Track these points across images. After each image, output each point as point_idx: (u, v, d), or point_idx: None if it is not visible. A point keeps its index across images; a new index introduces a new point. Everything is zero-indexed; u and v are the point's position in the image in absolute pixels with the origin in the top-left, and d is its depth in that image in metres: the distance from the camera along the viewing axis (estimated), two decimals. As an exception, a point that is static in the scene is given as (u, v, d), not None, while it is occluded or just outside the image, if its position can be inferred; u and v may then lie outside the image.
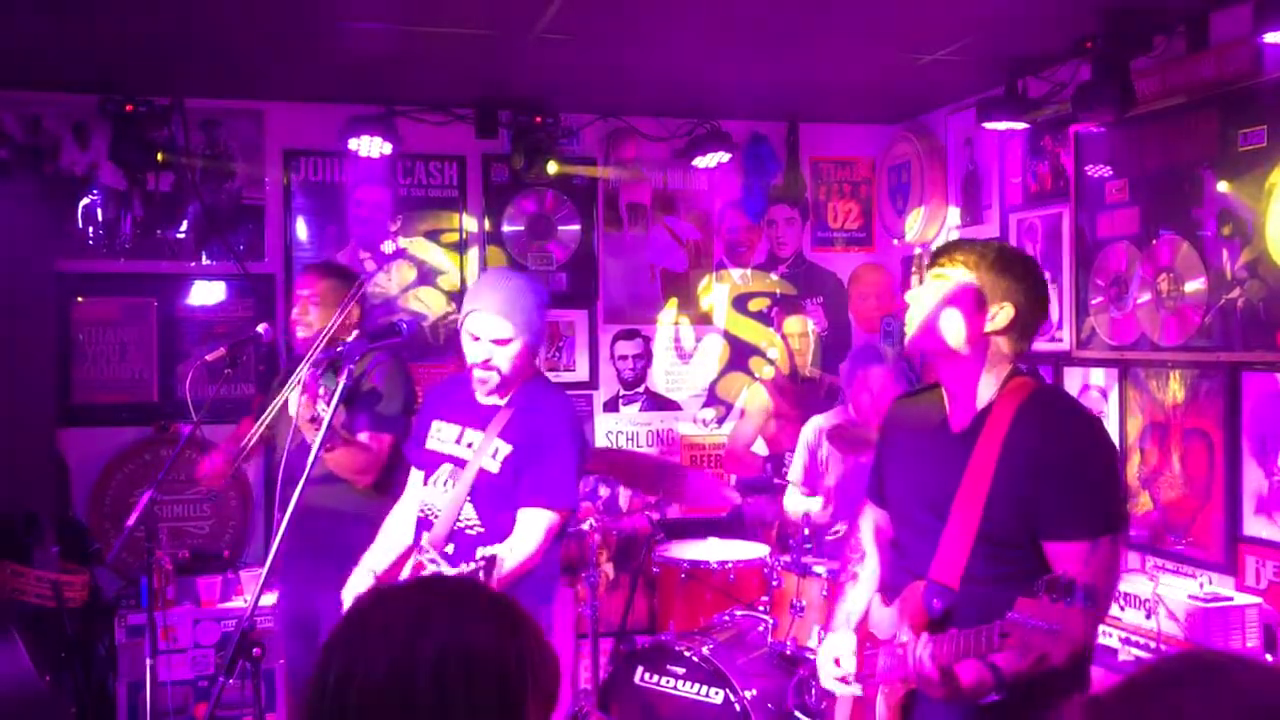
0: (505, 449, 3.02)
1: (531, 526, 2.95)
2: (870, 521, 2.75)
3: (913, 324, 2.41)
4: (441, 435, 3.17)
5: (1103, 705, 1.06)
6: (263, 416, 3.65)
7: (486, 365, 3.04)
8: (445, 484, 3.08)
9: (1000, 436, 2.29)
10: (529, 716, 1.30)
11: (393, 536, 3.24)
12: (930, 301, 2.38)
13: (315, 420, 3.08)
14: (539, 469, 2.97)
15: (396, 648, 1.26)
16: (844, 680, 2.56)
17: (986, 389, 2.37)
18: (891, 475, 2.62)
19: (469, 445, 3.08)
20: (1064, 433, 2.30)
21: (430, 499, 3.12)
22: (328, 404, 3.01)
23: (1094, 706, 1.06)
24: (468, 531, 3.02)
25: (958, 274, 2.36)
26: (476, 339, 3.04)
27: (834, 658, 2.59)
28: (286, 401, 3.83)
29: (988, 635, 2.04)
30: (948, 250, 2.42)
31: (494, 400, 3.10)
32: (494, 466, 3.01)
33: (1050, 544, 2.25)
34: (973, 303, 2.34)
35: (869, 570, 2.68)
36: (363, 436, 3.64)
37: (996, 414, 2.33)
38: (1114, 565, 2.29)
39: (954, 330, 2.35)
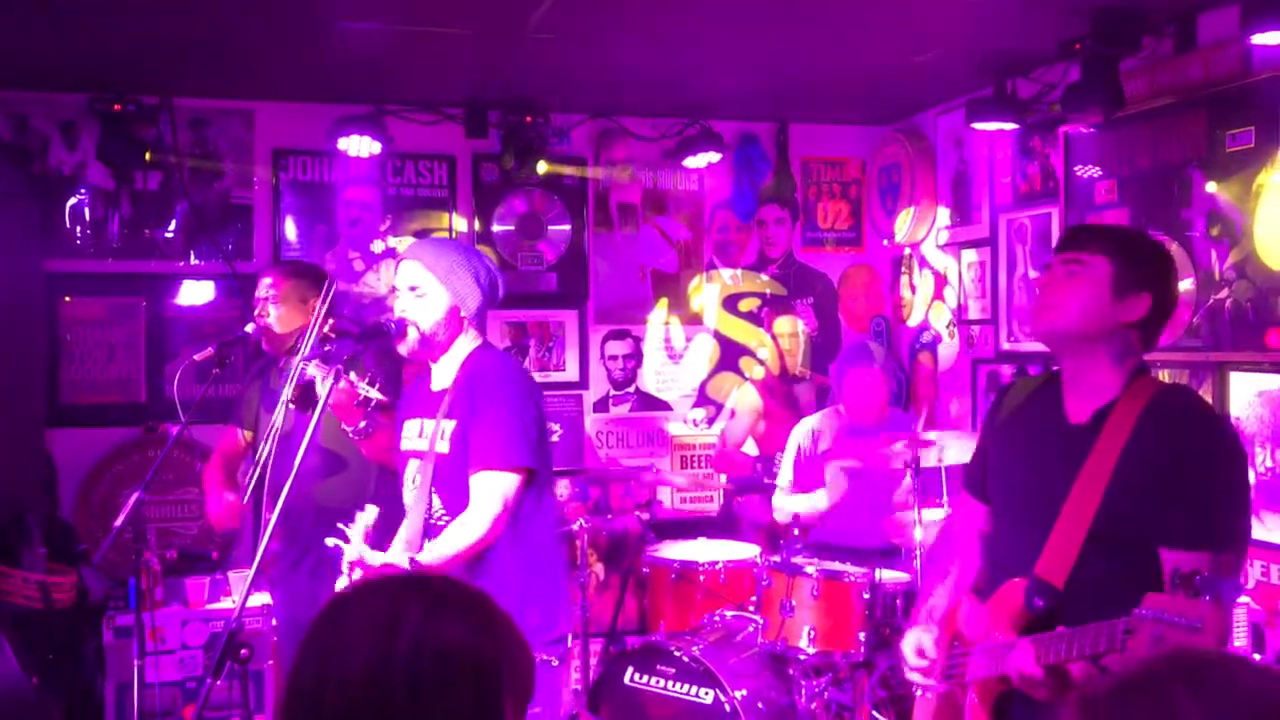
0: (450, 426, 2.94)
1: (481, 493, 2.83)
2: (963, 515, 2.64)
3: (1046, 307, 2.30)
4: (408, 433, 3.12)
5: (1095, 703, 1.05)
6: (266, 436, 3.61)
7: (404, 317, 2.97)
8: (415, 480, 3.04)
9: (1125, 433, 2.19)
10: (505, 713, 1.29)
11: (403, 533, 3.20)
12: (1065, 285, 2.27)
13: (365, 403, 3.06)
14: (479, 431, 2.87)
15: (371, 646, 1.25)
16: (926, 673, 2.46)
17: (1112, 382, 2.26)
18: (997, 467, 2.50)
19: (426, 436, 3.02)
20: (1197, 435, 2.19)
21: (407, 499, 3.09)
22: (372, 385, 3.01)
23: (1086, 705, 1.05)
24: (439, 523, 2.97)
25: (1095, 260, 2.24)
26: (397, 292, 3.01)
27: (917, 649, 2.48)
28: (263, 404, 3.81)
29: (1109, 632, 1.92)
30: (1081, 235, 2.32)
31: (443, 384, 3.03)
32: (445, 447, 2.94)
33: (1171, 552, 2.13)
34: (1110, 291, 2.23)
35: (961, 566, 2.57)
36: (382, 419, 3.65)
37: (1122, 409, 2.22)
38: (1237, 582, 2.23)
39: (1089, 318, 2.25)
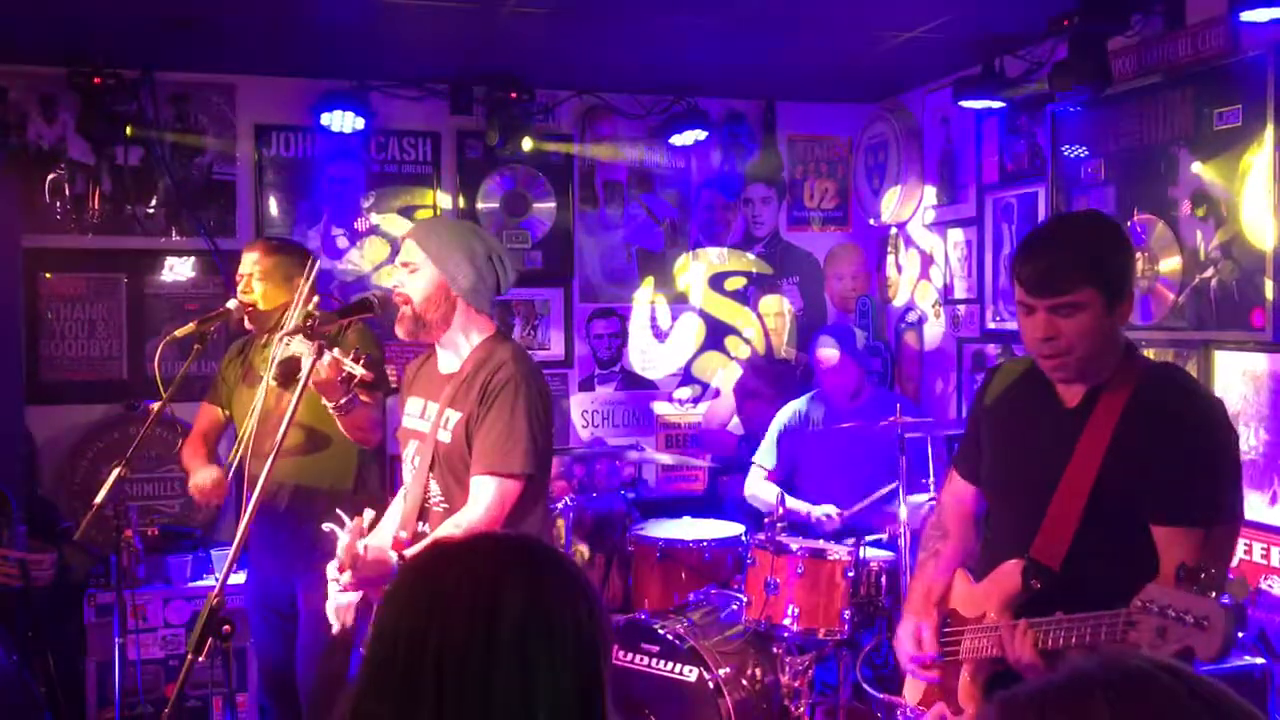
0: (455, 417, 2.91)
1: (479, 495, 2.82)
2: (953, 496, 2.63)
3: (1061, 355, 2.24)
4: (410, 411, 3.10)
5: (1015, 706, 1.03)
6: (253, 407, 3.58)
7: (398, 293, 2.94)
8: (414, 461, 3.03)
9: (1116, 415, 2.19)
10: (601, 671, 1.31)
11: (396, 512, 3.16)
12: (1069, 332, 2.21)
13: (349, 379, 3.03)
14: (486, 433, 2.84)
15: (475, 608, 1.26)
16: (922, 661, 2.45)
17: (1102, 365, 2.26)
18: (990, 450, 2.50)
19: (429, 419, 3.00)
20: (1187, 413, 2.18)
21: (406, 477, 3.08)
22: (356, 361, 2.98)
23: (1007, 707, 1.03)
24: (435, 508, 2.96)
25: (1085, 297, 2.18)
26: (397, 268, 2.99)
27: (916, 638, 2.47)
28: (244, 381, 3.79)
29: (1109, 623, 1.92)
30: (1062, 274, 2.19)
31: (450, 368, 3.01)
32: (447, 437, 2.91)
33: (1162, 529, 2.14)
34: (1107, 314, 2.20)
35: (951, 547, 2.57)
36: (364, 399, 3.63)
37: (1112, 391, 2.22)
38: (1228, 558, 2.18)
39: (1100, 345, 2.22)
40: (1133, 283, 2.27)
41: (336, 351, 3.00)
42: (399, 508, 3.10)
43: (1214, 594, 1.78)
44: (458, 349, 3.00)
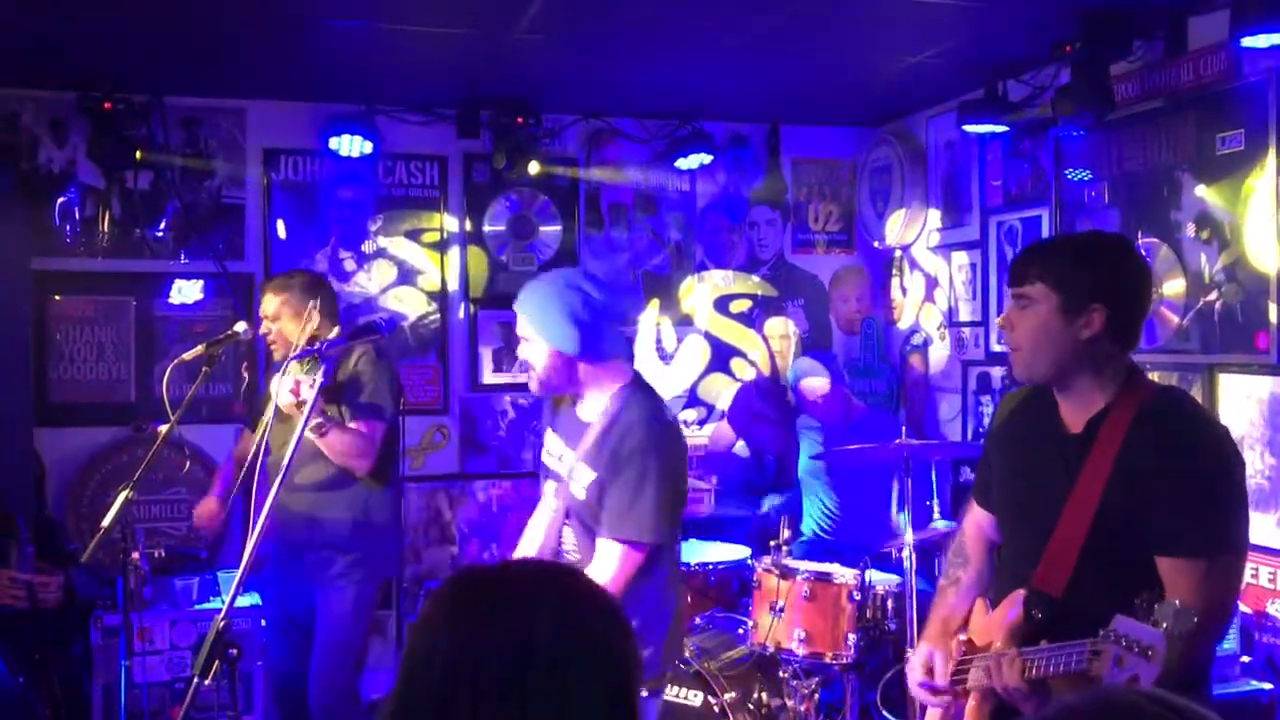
0: (589, 476, 2.83)
1: (602, 560, 2.78)
2: (974, 524, 2.62)
3: (1011, 350, 2.30)
4: (549, 448, 3.04)
5: None
6: (258, 436, 3.61)
7: (523, 357, 2.94)
8: (551, 504, 2.98)
9: (1118, 442, 2.16)
10: (635, 698, 1.32)
11: (532, 540, 3.09)
12: (1019, 325, 2.26)
13: (302, 404, 3.07)
14: (610, 496, 2.78)
15: (510, 632, 1.27)
16: (931, 689, 2.43)
17: (1102, 391, 2.23)
18: (998, 476, 2.49)
19: (565, 464, 2.94)
20: (1187, 441, 2.15)
21: (541, 515, 3.03)
22: (311, 387, 3.00)
23: None
24: (567, 556, 2.91)
25: (1036, 292, 2.22)
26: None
27: (926, 666, 2.45)
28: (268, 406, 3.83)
29: (1078, 652, 1.95)
30: (1023, 267, 2.27)
31: (589, 415, 2.92)
32: (581, 494, 2.85)
33: (1165, 559, 2.11)
34: (1059, 318, 2.20)
35: (971, 575, 2.56)
36: (353, 425, 3.68)
37: (1114, 417, 2.19)
38: (1232, 588, 2.17)
39: (1049, 350, 2.22)
40: (1108, 299, 2.20)
41: (293, 369, 3.01)
42: (534, 538, 3.04)
43: (1165, 625, 1.80)
44: (595, 399, 2.93)
